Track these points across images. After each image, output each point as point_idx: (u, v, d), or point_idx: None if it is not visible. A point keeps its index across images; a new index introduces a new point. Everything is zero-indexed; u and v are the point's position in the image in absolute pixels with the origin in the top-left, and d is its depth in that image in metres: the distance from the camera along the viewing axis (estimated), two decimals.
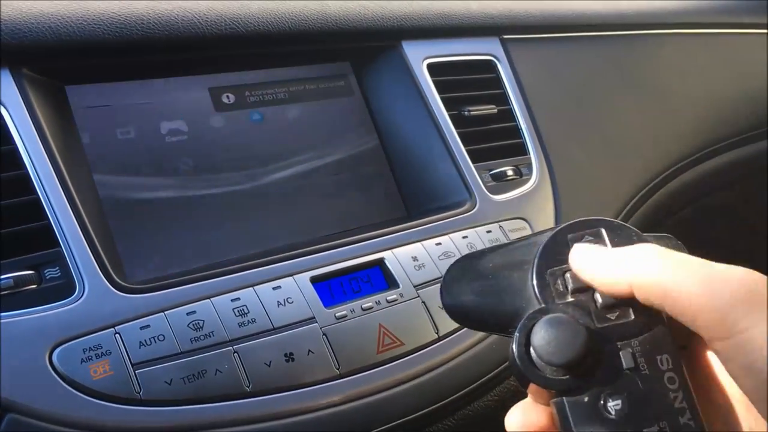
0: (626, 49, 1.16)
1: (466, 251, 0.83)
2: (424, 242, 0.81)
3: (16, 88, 0.69)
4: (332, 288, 0.74)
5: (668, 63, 1.21)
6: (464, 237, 0.84)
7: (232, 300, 0.69)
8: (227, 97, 0.85)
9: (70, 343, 0.62)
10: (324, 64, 0.92)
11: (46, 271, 0.64)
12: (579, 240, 0.45)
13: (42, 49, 0.70)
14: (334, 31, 0.88)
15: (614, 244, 0.44)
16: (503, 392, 0.79)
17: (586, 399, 0.41)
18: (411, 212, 0.91)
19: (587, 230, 0.45)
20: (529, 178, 0.95)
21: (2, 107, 0.68)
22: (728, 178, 1.25)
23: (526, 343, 0.42)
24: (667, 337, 0.42)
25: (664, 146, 1.14)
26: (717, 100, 1.25)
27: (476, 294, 0.50)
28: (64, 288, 0.64)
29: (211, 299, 0.68)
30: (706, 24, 1.30)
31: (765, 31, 1.38)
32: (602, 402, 0.41)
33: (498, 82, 1.00)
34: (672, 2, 1.27)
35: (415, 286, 0.77)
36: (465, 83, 0.97)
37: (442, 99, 0.93)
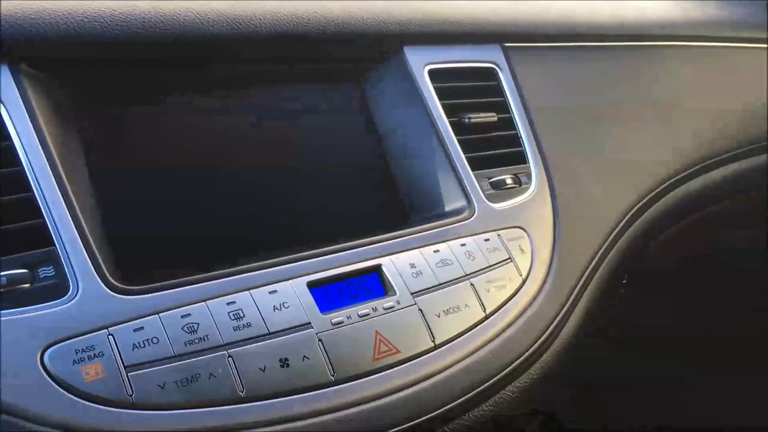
0: (628, 60, 1.16)
1: (463, 259, 0.82)
2: (422, 249, 0.81)
3: (14, 84, 0.68)
4: (329, 293, 0.74)
5: (669, 75, 1.21)
6: (462, 245, 0.84)
7: (227, 303, 0.68)
8: (226, 97, 0.84)
9: (63, 343, 0.61)
10: (329, 84, 0.91)
11: (39, 270, 0.63)
12: None
13: (41, 46, 0.70)
14: (336, 34, 0.87)
15: None
16: (499, 402, 0.78)
17: None
18: (410, 218, 0.90)
19: None
20: (528, 187, 0.95)
21: (0, 103, 0.67)
22: (728, 191, 1.24)
23: None
24: None
25: (664, 158, 1.14)
26: (717, 113, 1.25)
27: None
28: (57, 288, 0.63)
29: (207, 302, 0.67)
30: (707, 37, 1.30)
31: (765, 45, 1.38)
32: None
33: (499, 89, 1.00)
34: (673, 14, 1.27)
35: (412, 294, 0.77)
36: (466, 90, 0.96)
37: (443, 105, 0.92)
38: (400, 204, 0.91)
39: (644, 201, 1.06)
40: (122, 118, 0.78)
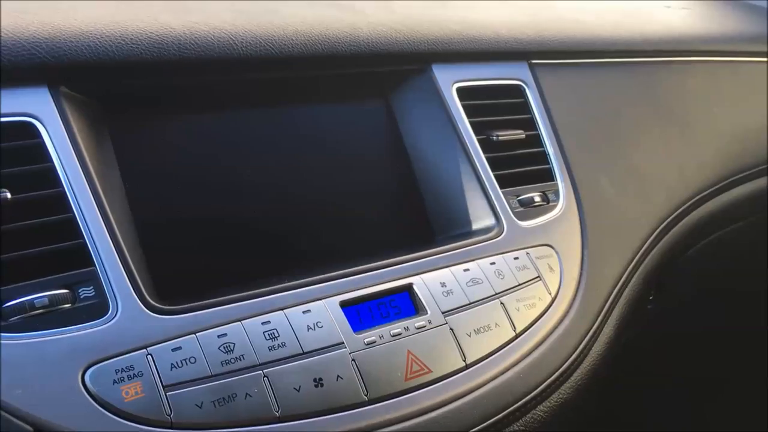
0: (653, 76, 1.16)
1: (493, 278, 0.82)
2: (452, 268, 0.81)
3: (54, 105, 0.69)
4: (361, 313, 0.74)
5: (694, 91, 1.21)
6: (492, 263, 0.84)
7: (262, 323, 0.69)
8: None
9: (103, 363, 0.62)
10: (357, 102, 0.92)
11: (80, 291, 0.64)
12: None
13: (81, 68, 0.71)
14: (365, 54, 0.88)
15: None
16: (530, 422, 0.78)
17: None
18: (437, 236, 0.91)
19: None
20: (556, 205, 0.95)
21: (41, 125, 0.68)
22: (753, 208, 1.24)
23: None
24: None
25: (688, 175, 1.13)
26: (742, 129, 1.25)
27: None
28: (97, 308, 0.64)
29: (242, 322, 0.68)
30: (730, 52, 1.30)
31: None
32: None
33: (526, 107, 1.00)
34: (698, 29, 1.27)
35: (443, 313, 0.77)
36: (493, 108, 0.97)
37: (471, 123, 0.93)
38: (428, 222, 0.92)
39: (672, 218, 1.05)
40: (155, 136, 0.79)
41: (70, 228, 0.66)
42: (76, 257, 0.65)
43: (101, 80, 0.73)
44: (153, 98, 0.79)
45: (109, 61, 0.72)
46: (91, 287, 0.65)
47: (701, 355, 1.60)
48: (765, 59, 1.33)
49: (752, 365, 1.68)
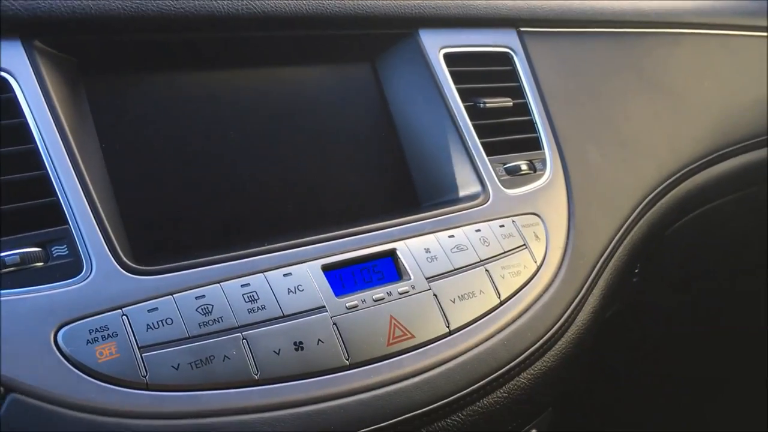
0: (643, 47, 1.15)
1: (478, 245, 0.81)
2: (436, 234, 0.80)
3: (27, 60, 0.67)
4: (343, 277, 0.73)
5: (685, 63, 1.19)
6: (477, 230, 0.83)
7: (242, 285, 0.67)
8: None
9: (76, 323, 0.60)
10: (343, 65, 0.90)
11: (53, 249, 0.63)
12: None
13: (54, 21, 0.68)
14: (351, 16, 0.86)
15: None
16: (514, 389, 0.77)
17: None
18: (423, 203, 0.89)
19: None
20: (543, 173, 0.94)
21: (13, 79, 0.66)
22: (742, 181, 1.23)
23: None
24: None
25: (678, 147, 1.12)
26: (731, 102, 1.24)
27: None
28: (71, 267, 0.62)
29: (221, 284, 0.67)
30: (721, 25, 1.29)
31: None
32: None
33: (514, 74, 0.99)
34: (690, 2, 1.25)
35: (426, 279, 0.76)
36: (481, 75, 0.95)
37: (458, 90, 0.91)
38: (414, 189, 0.90)
39: (660, 188, 1.04)
40: (135, 95, 0.77)
41: (43, 185, 0.64)
42: (49, 215, 0.63)
43: (76, 35, 0.71)
44: (131, 56, 0.77)
45: (84, 14, 0.70)
46: (65, 246, 0.63)
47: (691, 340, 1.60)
48: (758, 33, 1.32)
49: (740, 349, 1.68)
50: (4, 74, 0.66)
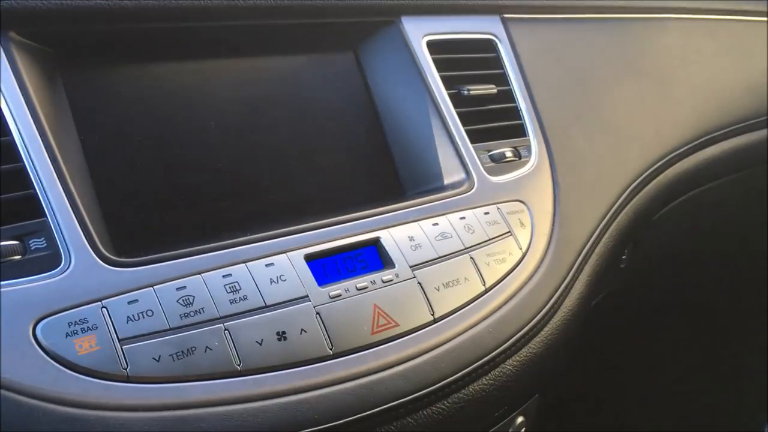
0: (628, 33, 1.15)
1: (463, 232, 0.81)
2: (420, 222, 0.80)
3: (2, 52, 0.66)
4: (326, 266, 0.73)
5: (670, 49, 1.19)
6: (462, 218, 0.82)
7: (223, 276, 0.67)
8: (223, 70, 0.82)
9: (55, 316, 0.60)
10: (324, 53, 0.90)
11: (31, 242, 0.62)
12: None
13: (30, 12, 0.68)
14: (332, 4, 0.85)
15: None
16: (499, 376, 0.77)
17: None
18: (407, 191, 0.89)
19: None
20: (528, 160, 0.93)
21: None
22: (727, 166, 1.23)
23: None
24: None
25: (664, 132, 1.12)
26: (717, 87, 1.24)
27: None
28: (49, 260, 0.62)
29: (202, 275, 0.66)
30: (707, 10, 1.28)
31: (765, 19, 1.36)
32: None
33: (498, 61, 0.98)
34: None
35: (411, 267, 0.76)
36: (465, 62, 0.95)
37: (442, 77, 0.91)
38: (398, 177, 0.90)
39: (646, 174, 1.04)
40: (113, 86, 0.76)
41: (20, 178, 0.64)
42: (27, 208, 0.63)
43: (52, 26, 0.70)
44: (109, 47, 0.76)
45: (60, 5, 0.69)
46: (43, 239, 0.62)
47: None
48: (742, 17, 1.32)
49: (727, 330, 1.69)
50: None
